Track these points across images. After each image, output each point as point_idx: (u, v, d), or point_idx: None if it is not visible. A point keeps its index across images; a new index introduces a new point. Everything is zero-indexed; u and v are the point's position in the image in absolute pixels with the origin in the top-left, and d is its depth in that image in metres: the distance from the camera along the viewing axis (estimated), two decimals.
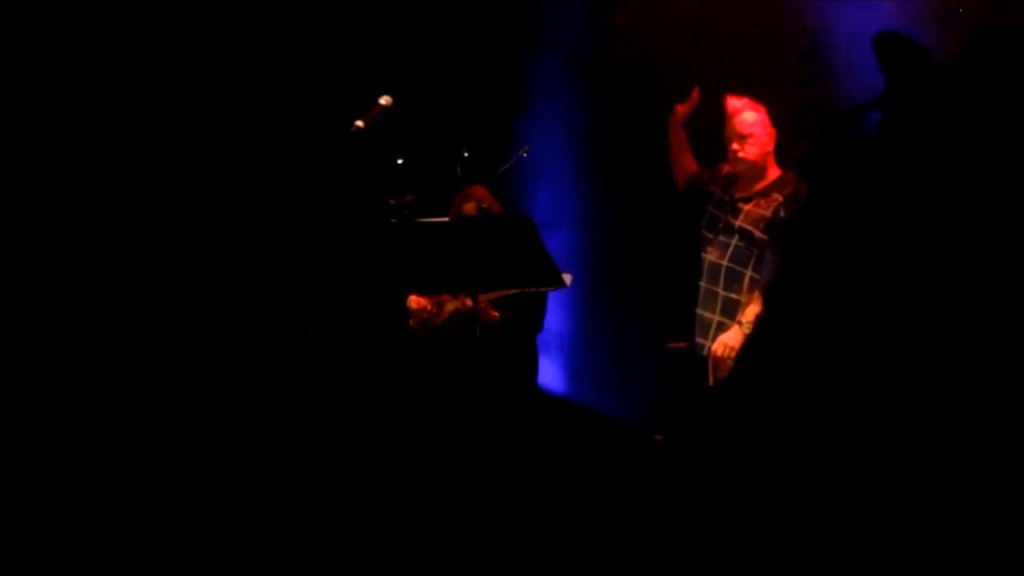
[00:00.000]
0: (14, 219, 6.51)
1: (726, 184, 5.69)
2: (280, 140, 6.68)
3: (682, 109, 5.88)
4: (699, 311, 5.65)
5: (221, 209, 6.71)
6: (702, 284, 5.63)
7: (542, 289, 5.49)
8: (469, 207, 5.81)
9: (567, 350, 7.01)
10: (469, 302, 5.64)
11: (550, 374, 6.71)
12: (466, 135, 6.09)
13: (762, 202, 5.61)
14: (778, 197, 5.59)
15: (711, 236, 5.65)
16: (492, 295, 5.61)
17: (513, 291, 5.55)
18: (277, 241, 6.68)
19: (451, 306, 5.84)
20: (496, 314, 5.71)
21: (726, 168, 5.71)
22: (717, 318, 5.61)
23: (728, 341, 5.51)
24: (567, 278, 5.28)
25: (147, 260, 6.64)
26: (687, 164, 5.89)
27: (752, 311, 5.53)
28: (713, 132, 5.78)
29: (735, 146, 5.62)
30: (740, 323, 5.53)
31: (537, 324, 5.86)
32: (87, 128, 6.66)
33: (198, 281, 6.69)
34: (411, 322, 5.85)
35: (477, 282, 5.11)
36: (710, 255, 5.62)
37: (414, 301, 5.85)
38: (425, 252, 5.07)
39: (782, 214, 5.59)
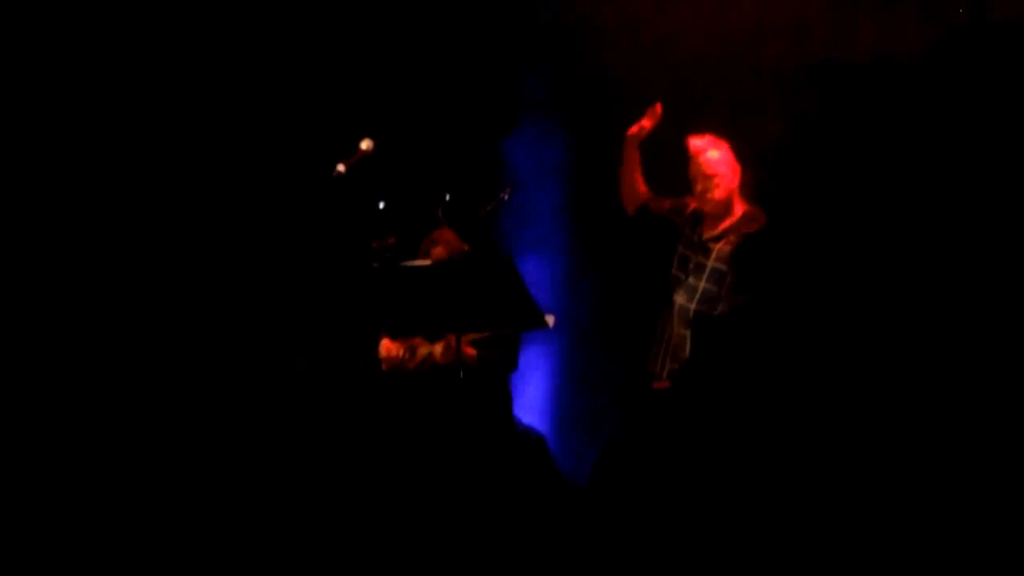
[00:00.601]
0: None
1: (693, 223, 5.64)
2: (263, 184, 6.69)
3: (646, 126, 5.72)
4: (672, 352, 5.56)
5: (206, 250, 6.70)
6: (674, 328, 5.55)
7: (525, 331, 5.50)
8: (439, 251, 5.81)
9: (544, 388, 7.00)
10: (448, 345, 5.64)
11: (525, 412, 6.70)
12: (447, 178, 6.11)
13: (732, 239, 5.56)
14: (745, 232, 5.54)
15: (682, 277, 5.59)
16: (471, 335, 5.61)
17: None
18: (261, 283, 6.67)
19: (424, 350, 5.83)
20: (473, 352, 5.72)
21: (692, 205, 5.66)
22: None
23: None
24: (550, 319, 5.28)
25: (135, 295, 6.63)
26: (638, 188, 5.77)
27: None
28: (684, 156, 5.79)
29: (701, 187, 5.57)
30: None
31: (512, 362, 5.85)
32: (76, 168, 6.66)
33: (184, 319, 6.68)
34: (383, 368, 5.85)
35: (461, 324, 5.12)
36: (679, 298, 5.55)
37: (385, 347, 5.84)
38: (408, 295, 5.08)
39: (750, 250, 5.54)
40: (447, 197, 5.72)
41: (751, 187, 5.71)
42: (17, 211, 6.56)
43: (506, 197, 5.81)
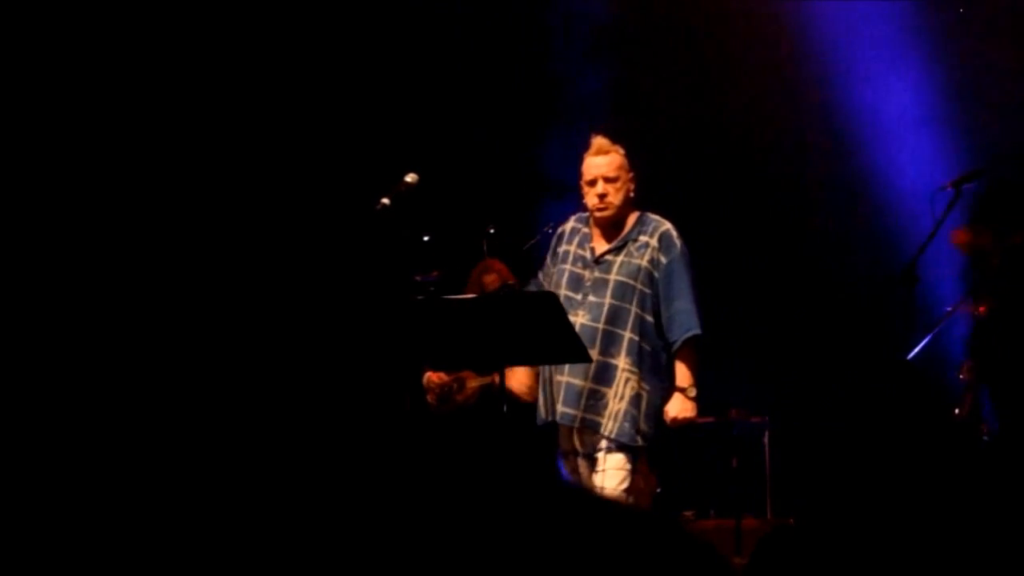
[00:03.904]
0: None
1: (578, 241, 5.35)
2: (307, 218, 6.71)
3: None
4: (566, 379, 5.22)
5: (247, 288, 6.72)
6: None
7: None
8: (491, 279, 5.81)
9: None
10: (498, 377, 5.64)
11: None
12: (492, 212, 6.12)
13: (633, 250, 5.26)
14: (648, 241, 5.26)
15: (579, 298, 5.25)
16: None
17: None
18: (304, 319, 6.69)
19: (474, 382, 5.83)
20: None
21: (571, 224, 5.41)
22: (589, 385, 5.20)
23: (681, 413, 5.17)
24: (593, 353, 5.26)
25: (173, 322, 6.65)
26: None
27: (684, 373, 5.19)
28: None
29: (603, 189, 5.25)
30: (682, 389, 5.17)
31: None
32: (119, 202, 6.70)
33: (219, 359, 6.69)
34: (428, 398, 5.85)
35: (505, 358, 5.10)
36: (580, 318, 5.19)
37: (435, 377, 5.84)
38: (452, 328, 5.07)
39: (663, 260, 5.22)
40: (491, 230, 5.71)
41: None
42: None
43: (550, 231, 5.81)
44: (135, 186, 6.71)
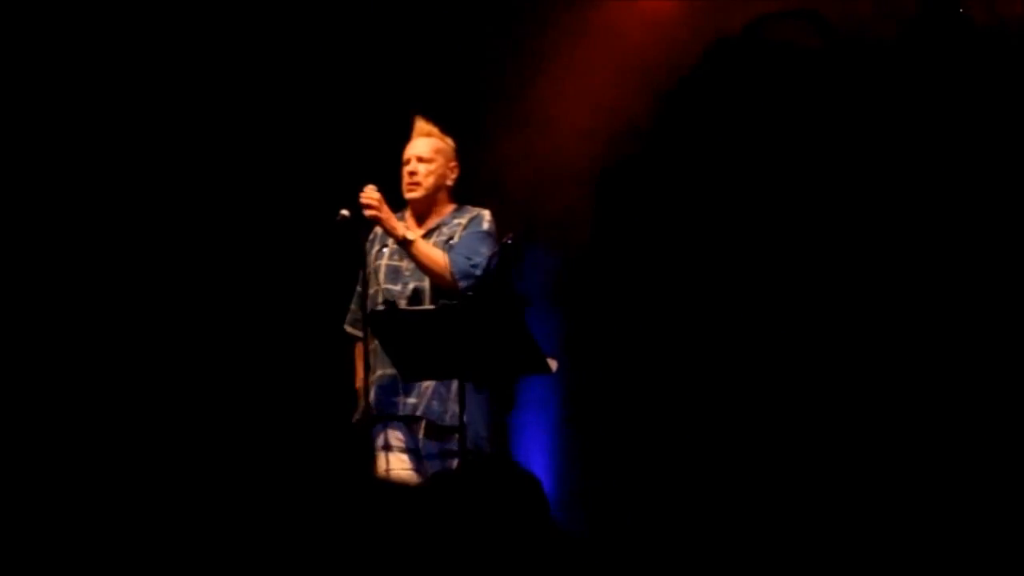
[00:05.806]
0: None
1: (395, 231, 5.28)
2: (266, 228, 6.69)
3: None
4: (392, 370, 5.19)
5: (207, 300, 6.70)
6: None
7: (528, 375, 5.46)
8: None
9: (545, 429, 6.95)
10: None
11: (524, 454, 6.65)
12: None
13: (445, 231, 5.33)
14: (461, 221, 5.32)
15: (399, 288, 5.28)
16: None
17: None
18: (262, 330, 6.67)
19: None
20: None
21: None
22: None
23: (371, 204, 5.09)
24: (553, 364, 5.24)
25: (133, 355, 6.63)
26: None
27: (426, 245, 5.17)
28: None
29: (414, 167, 5.31)
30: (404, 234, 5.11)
31: (509, 403, 5.78)
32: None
33: (185, 373, 6.66)
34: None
35: (463, 369, 5.09)
36: (404, 306, 5.23)
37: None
38: (410, 339, 5.06)
39: (466, 231, 5.25)
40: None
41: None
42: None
43: (510, 241, 5.81)
44: (110, 194, 6.69)
